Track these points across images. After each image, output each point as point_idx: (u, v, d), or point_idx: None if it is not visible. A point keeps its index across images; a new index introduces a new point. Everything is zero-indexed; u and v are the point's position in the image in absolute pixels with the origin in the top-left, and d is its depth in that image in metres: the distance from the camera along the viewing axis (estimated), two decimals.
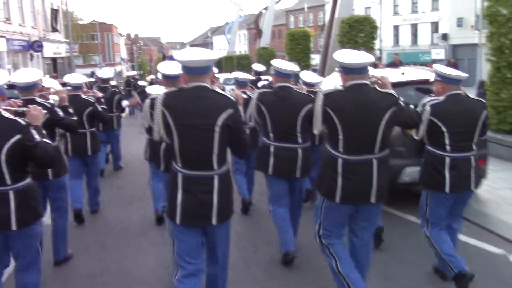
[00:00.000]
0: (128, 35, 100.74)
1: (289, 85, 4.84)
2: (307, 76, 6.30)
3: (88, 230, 6.39)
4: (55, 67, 35.70)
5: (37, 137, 3.39)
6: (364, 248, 4.00)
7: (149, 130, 5.06)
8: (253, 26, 71.47)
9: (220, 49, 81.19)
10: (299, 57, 23.06)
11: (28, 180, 3.52)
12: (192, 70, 3.23)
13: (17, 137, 3.29)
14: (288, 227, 4.96)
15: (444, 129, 4.10)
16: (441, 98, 4.17)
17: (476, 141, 4.24)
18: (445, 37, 37.22)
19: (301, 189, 5.16)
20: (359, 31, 16.01)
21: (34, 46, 29.51)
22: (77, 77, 6.87)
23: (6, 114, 3.39)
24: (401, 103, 3.81)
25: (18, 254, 3.61)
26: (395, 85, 4.28)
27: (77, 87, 6.39)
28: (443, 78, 4.18)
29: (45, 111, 3.77)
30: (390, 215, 6.40)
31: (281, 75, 4.81)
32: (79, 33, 52.54)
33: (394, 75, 6.10)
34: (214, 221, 3.33)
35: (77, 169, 6.55)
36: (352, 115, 3.61)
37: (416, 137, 4.34)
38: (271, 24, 34.10)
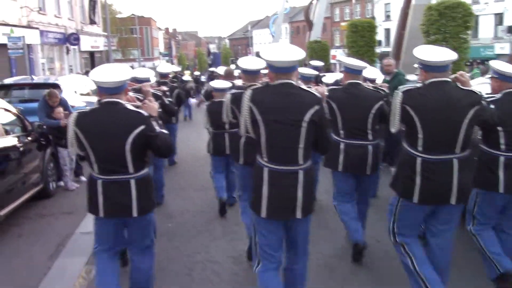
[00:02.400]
0: (167, 29, 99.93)
1: (359, 81, 4.80)
2: (369, 72, 6.07)
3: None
4: (93, 61, 34.03)
5: (157, 127, 3.51)
6: (443, 251, 3.82)
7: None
8: (295, 19, 70.33)
9: (260, 43, 79.58)
10: (363, 51, 20.33)
11: (146, 170, 3.64)
12: (280, 69, 3.29)
13: (141, 127, 3.42)
14: (356, 220, 4.92)
15: (500, 128, 3.91)
16: (497, 96, 4.00)
17: None
18: (511, 30, 33.84)
19: (369, 186, 5.15)
20: (451, 19, 13.24)
21: (71, 39, 27.79)
22: (145, 71, 6.86)
23: (130, 107, 3.51)
24: (484, 102, 3.64)
25: (134, 240, 3.73)
26: None
27: (145, 81, 6.01)
28: (500, 76, 4.03)
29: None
30: None
31: (351, 71, 4.76)
32: (118, 26, 51.41)
33: None
34: (299, 215, 3.37)
35: None
36: (433, 113, 3.48)
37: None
38: (322, 15, 31.42)
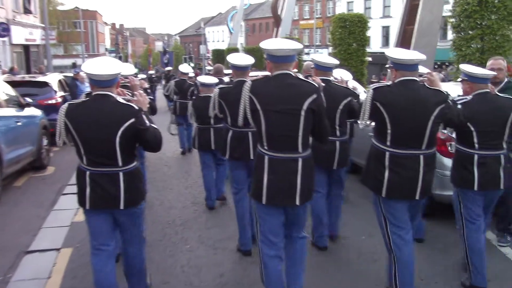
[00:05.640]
0: (113, 24, 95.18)
1: (328, 78, 4.89)
2: (340, 74, 5.80)
3: None
4: (28, 56, 29.51)
5: (147, 121, 3.52)
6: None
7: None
8: (251, 17, 67.19)
9: (213, 41, 75.97)
10: (352, 50, 17.25)
11: (135, 163, 3.62)
12: (278, 59, 3.40)
13: (132, 120, 3.44)
14: (324, 218, 5.07)
15: (472, 128, 4.07)
16: (469, 97, 4.15)
17: (507, 139, 4.19)
18: None
19: (340, 179, 5.22)
20: (493, 11, 10.30)
21: None
22: (129, 67, 6.68)
23: (121, 100, 3.54)
24: (449, 101, 3.79)
25: (125, 229, 3.71)
26: None
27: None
28: (470, 78, 4.15)
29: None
30: None
31: (321, 68, 4.89)
32: (60, 19, 46.87)
33: None
34: (298, 201, 3.46)
35: None
36: (402, 110, 3.62)
37: (442, 137, 4.59)
38: (292, 10, 28.65)
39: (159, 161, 9.92)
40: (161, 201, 7.05)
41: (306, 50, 49.79)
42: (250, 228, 4.92)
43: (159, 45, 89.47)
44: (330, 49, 20.71)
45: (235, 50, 36.40)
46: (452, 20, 11.10)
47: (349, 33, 17.31)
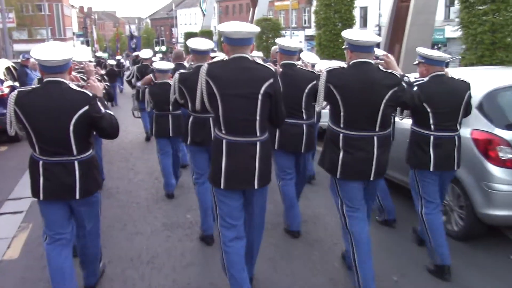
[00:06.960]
0: (81, 7, 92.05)
1: (293, 62, 4.94)
2: (308, 56, 6.11)
3: None
4: None
5: (102, 108, 3.42)
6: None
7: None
8: None
9: (185, 24, 73.74)
10: (337, 31, 15.86)
11: (91, 152, 3.53)
12: (235, 42, 3.35)
13: (85, 108, 3.32)
14: (296, 203, 5.11)
15: (428, 109, 4.12)
16: (425, 79, 4.20)
17: (461, 121, 4.25)
18: None
19: (305, 164, 5.23)
20: None
21: None
22: (84, 52, 6.75)
23: (74, 87, 3.41)
24: (404, 83, 3.76)
25: (81, 220, 3.63)
26: None
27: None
28: (427, 60, 4.24)
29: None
30: None
31: (285, 52, 4.91)
32: (22, 1, 44.42)
33: None
34: (256, 185, 3.44)
35: None
36: (354, 92, 3.62)
37: (399, 118, 4.70)
38: None
39: (124, 164, 8.41)
40: (124, 223, 5.51)
41: (282, 32, 48.26)
42: (212, 213, 4.87)
43: (132, 31, 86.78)
44: (313, 31, 19.28)
45: (209, 32, 34.92)
46: None
47: (334, 12, 15.94)
